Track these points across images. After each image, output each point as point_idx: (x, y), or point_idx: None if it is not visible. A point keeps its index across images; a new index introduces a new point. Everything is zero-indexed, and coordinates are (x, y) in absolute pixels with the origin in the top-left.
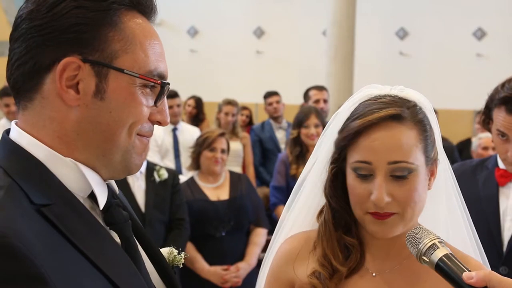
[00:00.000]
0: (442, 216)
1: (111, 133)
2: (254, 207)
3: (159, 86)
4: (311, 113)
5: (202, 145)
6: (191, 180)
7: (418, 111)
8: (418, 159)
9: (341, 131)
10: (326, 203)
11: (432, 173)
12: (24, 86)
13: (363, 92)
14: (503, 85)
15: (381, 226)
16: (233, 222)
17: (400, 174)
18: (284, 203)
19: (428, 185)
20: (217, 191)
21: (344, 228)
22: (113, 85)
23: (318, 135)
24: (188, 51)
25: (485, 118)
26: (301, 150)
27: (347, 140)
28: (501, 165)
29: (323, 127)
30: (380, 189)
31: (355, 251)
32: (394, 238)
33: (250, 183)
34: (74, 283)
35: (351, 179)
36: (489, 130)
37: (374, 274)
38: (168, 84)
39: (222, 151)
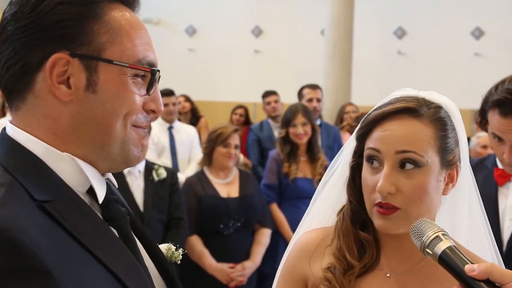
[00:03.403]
0: (464, 228)
1: (106, 125)
2: (261, 206)
3: (149, 74)
4: (298, 112)
5: (216, 141)
6: (202, 174)
7: (439, 112)
8: (429, 155)
9: (360, 123)
10: (347, 200)
11: (451, 179)
12: (15, 87)
13: (393, 94)
14: (496, 87)
15: (384, 220)
16: (243, 220)
17: (408, 166)
18: (276, 201)
19: (445, 190)
20: (227, 187)
21: (361, 225)
22: (103, 77)
23: (306, 133)
24: (186, 50)
25: (482, 120)
26: (292, 148)
27: (364, 130)
28: (499, 165)
29: (311, 125)
30: (385, 177)
31: (370, 248)
32: (410, 240)
33: (257, 182)
34: (78, 277)
35: (364, 171)
36: (487, 131)
37: (388, 275)
38: (159, 71)
39: (236, 147)
